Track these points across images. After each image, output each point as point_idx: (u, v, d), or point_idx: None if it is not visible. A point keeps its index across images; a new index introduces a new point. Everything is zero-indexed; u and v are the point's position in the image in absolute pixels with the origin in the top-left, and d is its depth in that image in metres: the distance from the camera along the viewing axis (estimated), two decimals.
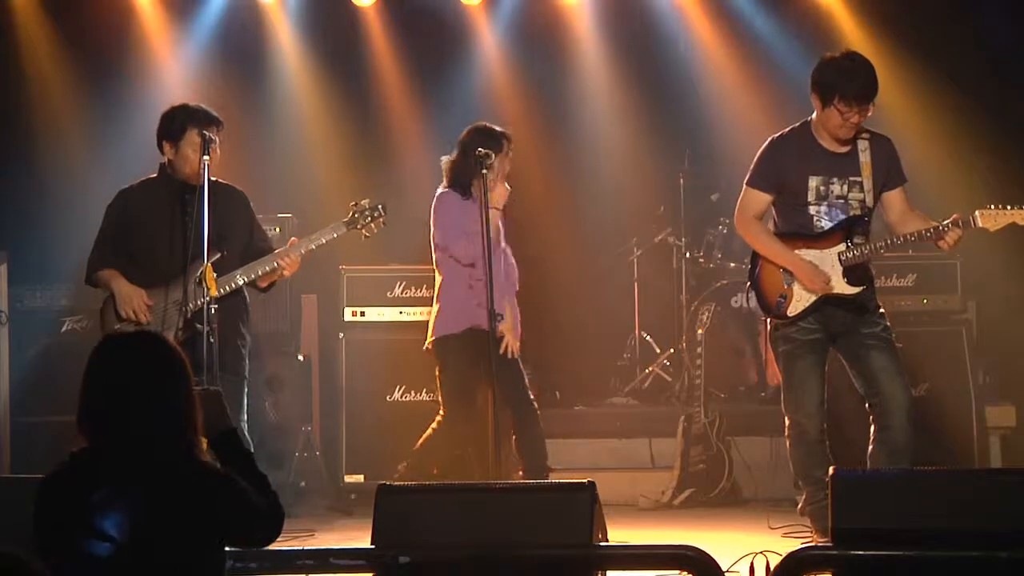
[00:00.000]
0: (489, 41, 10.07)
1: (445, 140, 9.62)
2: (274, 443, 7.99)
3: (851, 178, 6.23)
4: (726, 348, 9.21)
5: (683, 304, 9.41)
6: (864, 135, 6.26)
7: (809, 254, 6.25)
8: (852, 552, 4.34)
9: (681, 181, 9.55)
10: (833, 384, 6.43)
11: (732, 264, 9.52)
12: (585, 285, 9.80)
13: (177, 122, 6.42)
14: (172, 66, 9.64)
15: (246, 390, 6.50)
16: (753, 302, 9.15)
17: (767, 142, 6.41)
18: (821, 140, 6.27)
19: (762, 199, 6.37)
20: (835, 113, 6.12)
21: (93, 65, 9.45)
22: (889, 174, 6.28)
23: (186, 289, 6.25)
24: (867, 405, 6.29)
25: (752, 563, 5.18)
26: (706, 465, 8.17)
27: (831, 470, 4.62)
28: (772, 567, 4.68)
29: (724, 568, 4.52)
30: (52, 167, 9.28)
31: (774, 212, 6.43)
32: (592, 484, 4.66)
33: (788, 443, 6.41)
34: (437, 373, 7.10)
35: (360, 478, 8.05)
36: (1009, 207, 6.07)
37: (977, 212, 6.08)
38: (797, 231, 6.30)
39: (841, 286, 6.22)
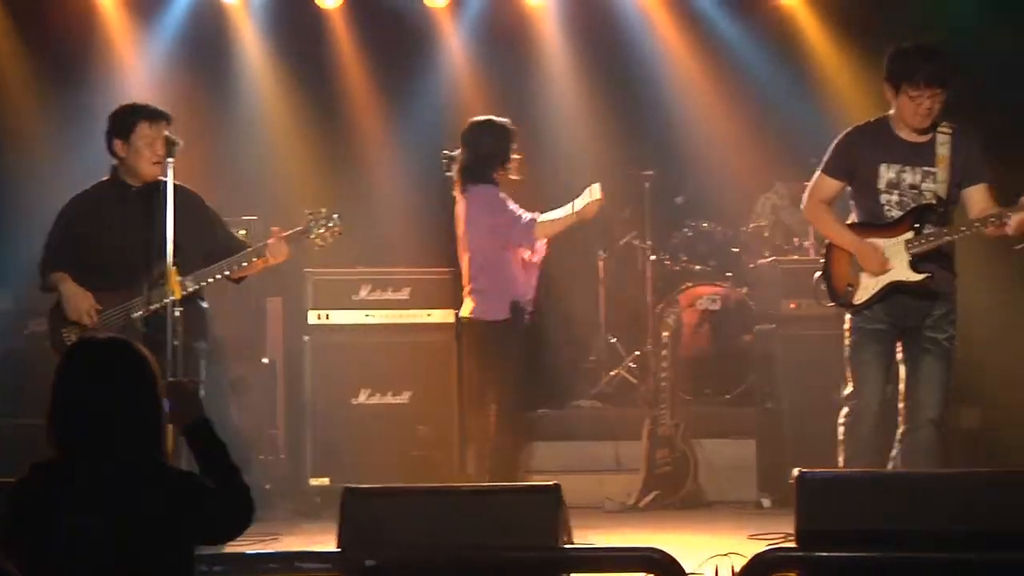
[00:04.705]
0: (455, 43, 10.07)
1: (410, 142, 9.67)
2: (238, 446, 7.92)
3: (925, 168, 6.17)
4: (692, 350, 9.22)
5: (649, 306, 9.41)
6: (947, 128, 6.20)
7: (877, 242, 6.22)
8: (817, 553, 4.34)
9: (646, 184, 9.54)
10: None
11: (698, 267, 9.53)
12: (550, 287, 9.76)
13: (127, 118, 6.40)
14: (135, 68, 9.60)
15: (202, 393, 6.43)
16: (718, 304, 9.26)
17: (845, 131, 6.40)
18: (898, 131, 6.22)
19: (831, 185, 6.36)
20: (906, 100, 6.11)
21: (55, 67, 9.39)
22: (968, 169, 6.20)
23: (149, 291, 6.19)
24: (899, 405, 6.29)
25: (717, 566, 5.19)
26: (671, 467, 8.18)
27: (795, 472, 4.60)
28: (737, 570, 4.68)
29: (689, 571, 4.52)
30: (12, 170, 9.22)
31: (852, 203, 6.41)
32: (557, 486, 4.64)
33: (841, 430, 6.32)
34: None
35: (326, 481, 8.02)
36: None
37: None
38: (868, 220, 6.29)
39: (906, 273, 6.17)
